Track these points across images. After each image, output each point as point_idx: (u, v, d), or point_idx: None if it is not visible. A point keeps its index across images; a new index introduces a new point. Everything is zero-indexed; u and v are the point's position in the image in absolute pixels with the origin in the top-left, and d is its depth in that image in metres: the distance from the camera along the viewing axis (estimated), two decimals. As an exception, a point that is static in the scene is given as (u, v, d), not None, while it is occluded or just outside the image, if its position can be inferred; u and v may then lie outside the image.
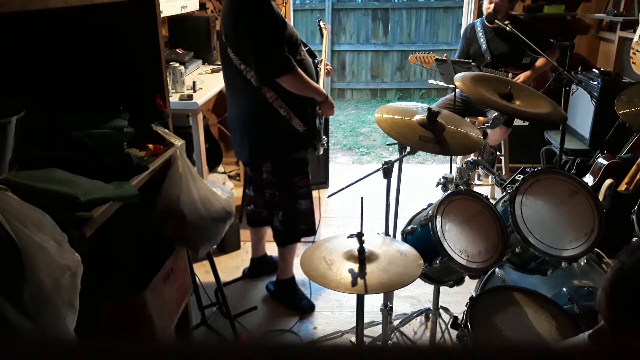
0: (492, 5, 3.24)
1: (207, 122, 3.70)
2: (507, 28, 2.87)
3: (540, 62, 3.33)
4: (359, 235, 1.51)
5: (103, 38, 1.62)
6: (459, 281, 1.89)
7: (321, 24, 2.72)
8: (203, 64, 3.63)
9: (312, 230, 2.46)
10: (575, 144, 3.59)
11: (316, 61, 2.36)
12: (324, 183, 3.88)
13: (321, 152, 2.38)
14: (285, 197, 2.36)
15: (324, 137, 2.39)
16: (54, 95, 1.56)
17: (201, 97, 2.81)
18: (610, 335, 0.98)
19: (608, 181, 2.56)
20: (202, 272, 2.55)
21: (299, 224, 2.42)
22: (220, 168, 3.76)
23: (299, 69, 2.09)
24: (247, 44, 2.06)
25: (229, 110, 2.37)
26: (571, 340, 1.37)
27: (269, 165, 2.31)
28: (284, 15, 3.83)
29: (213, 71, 3.38)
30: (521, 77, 3.26)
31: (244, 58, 2.10)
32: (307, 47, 2.34)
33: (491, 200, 1.85)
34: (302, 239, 2.51)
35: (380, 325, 2.02)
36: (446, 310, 2.24)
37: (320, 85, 2.41)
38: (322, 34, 2.66)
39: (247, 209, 2.64)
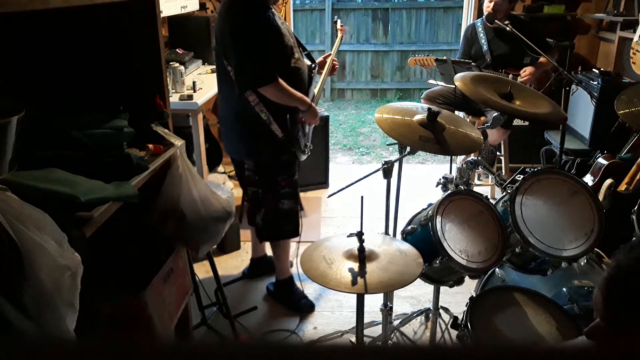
0: (492, 5, 3.24)
1: (207, 122, 3.70)
2: (507, 28, 2.87)
3: (543, 59, 3.33)
4: (359, 234, 1.51)
5: (103, 38, 1.62)
6: (459, 281, 1.89)
7: (338, 24, 2.71)
8: (203, 64, 3.63)
9: (295, 232, 2.45)
10: (575, 144, 3.59)
11: (313, 65, 2.35)
12: (324, 183, 3.88)
13: (303, 158, 2.36)
14: (268, 195, 2.37)
15: (308, 144, 2.36)
16: (54, 95, 1.56)
17: (201, 97, 2.81)
18: (606, 332, 0.99)
19: (608, 181, 2.56)
20: (202, 272, 2.55)
21: (282, 224, 2.41)
22: (220, 168, 3.76)
23: (280, 81, 2.08)
24: (231, 51, 2.08)
25: (219, 106, 2.39)
26: (571, 343, 1.37)
27: (252, 164, 2.33)
28: (283, 16, 3.86)
29: (213, 71, 3.38)
30: (527, 70, 3.25)
31: (230, 63, 2.12)
32: (307, 52, 2.34)
33: (491, 200, 1.85)
34: (296, 240, 2.51)
35: (380, 325, 2.02)
36: (446, 310, 2.24)
37: (320, 81, 2.41)
38: (337, 34, 2.66)
39: (248, 208, 2.65)
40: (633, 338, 0.95)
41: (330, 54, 2.51)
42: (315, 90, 2.41)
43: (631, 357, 0.31)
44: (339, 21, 2.77)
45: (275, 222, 2.41)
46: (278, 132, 2.22)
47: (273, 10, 2.14)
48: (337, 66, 2.57)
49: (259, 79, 2.07)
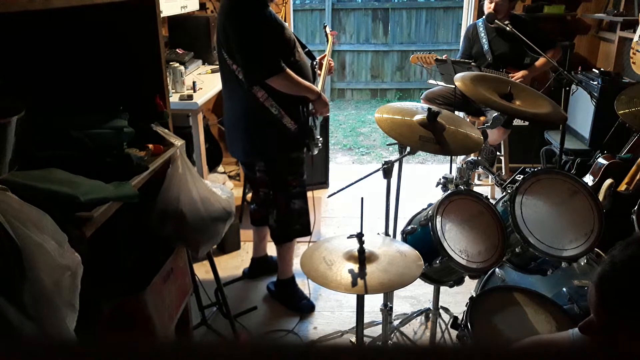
0: (492, 5, 3.24)
1: (207, 122, 3.70)
2: (507, 28, 2.87)
3: (539, 61, 3.33)
4: (359, 236, 1.51)
5: (103, 38, 1.62)
6: (459, 281, 1.89)
7: (327, 29, 2.74)
8: (203, 64, 3.63)
9: (307, 231, 2.46)
10: (575, 144, 3.59)
11: (314, 63, 2.36)
12: (324, 183, 3.88)
13: (315, 152, 2.36)
14: (279, 196, 2.37)
15: (318, 137, 2.37)
16: (54, 95, 1.56)
17: (201, 97, 2.81)
18: (598, 328, 0.99)
19: (608, 181, 2.56)
20: (202, 272, 2.55)
21: (293, 224, 2.42)
22: (220, 168, 3.76)
23: (288, 70, 2.09)
24: (236, 45, 2.08)
25: (224, 108, 2.39)
26: (559, 335, 1.37)
27: (262, 165, 2.32)
28: (284, 16, 3.86)
29: (213, 71, 3.38)
30: (519, 74, 3.25)
31: (235, 58, 2.12)
32: (307, 49, 2.34)
33: (491, 200, 1.85)
34: (298, 239, 2.52)
35: (380, 325, 2.02)
36: (446, 310, 2.24)
37: (321, 82, 2.42)
38: (328, 39, 2.69)
39: (250, 208, 2.66)
40: (624, 335, 0.95)
41: (325, 55, 2.53)
42: (318, 88, 2.41)
43: (621, 354, 0.31)
44: (327, 27, 2.80)
45: (286, 223, 2.41)
46: (290, 125, 2.21)
47: (271, 9, 2.15)
48: (333, 66, 2.60)
49: (268, 70, 2.08)
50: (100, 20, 1.59)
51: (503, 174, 3.50)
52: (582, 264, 1.95)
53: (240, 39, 2.07)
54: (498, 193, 3.55)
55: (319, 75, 2.44)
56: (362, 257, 1.50)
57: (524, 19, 3.48)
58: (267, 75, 2.08)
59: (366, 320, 2.17)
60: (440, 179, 1.99)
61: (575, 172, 3.24)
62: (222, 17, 2.15)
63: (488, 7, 3.28)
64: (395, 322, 2.25)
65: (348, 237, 1.54)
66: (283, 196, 2.36)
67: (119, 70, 1.63)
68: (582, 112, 3.60)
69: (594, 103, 3.27)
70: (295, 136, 2.25)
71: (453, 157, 2.63)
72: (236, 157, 2.46)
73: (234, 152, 2.44)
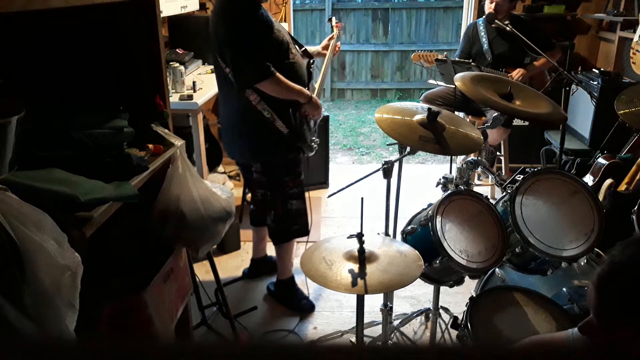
0: (493, 5, 3.24)
1: (207, 122, 3.69)
2: (507, 28, 2.87)
3: (539, 61, 3.33)
4: (359, 236, 1.51)
5: (103, 38, 1.62)
6: (459, 281, 1.89)
7: (333, 21, 2.73)
8: (203, 64, 3.63)
9: (305, 231, 2.46)
10: (575, 144, 3.59)
11: (311, 62, 2.36)
12: (324, 183, 3.88)
13: (311, 154, 2.36)
14: (277, 196, 2.37)
15: (314, 139, 2.37)
16: (54, 95, 1.56)
17: (201, 97, 2.81)
18: (598, 328, 0.99)
19: (608, 181, 2.56)
20: (202, 272, 2.55)
21: (291, 224, 2.42)
22: (220, 168, 3.75)
23: (278, 74, 2.09)
24: (227, 48, 2.08)
25: (220, 110, 2.39)
26: (558, 335, 1.37)
27: (259, 166, 2.33)
28: (283, 16, 3.86)
29: (213, 71, 3.38)
30: (517, 72, 3.25)
31: (227, 62, 2.12)
32: (303, 48, 2.34)
33: (491, 200, 1.85)
34: (297, 240, 2.52)
35: (380, 325, 2.02)
36: (446, 310, 2.24)
37: (321, 75, 2.42)
38: (333, 30, 2.68)
39: (250, 208, 2.66)
40: (623, 335, 0.95)
41: (327, 43, 2.52)
42: (320, 75, 2.41)
43: (621, 355, 0.31)
44: (333, 19, 2.79)
45: (284, 223, 2.41)
46: (283, 128, 2.21)
47: (264, 9, 2.14)
48: (339, 47, 2.58)
49: (257, 75, 2.07)
50: (100, 20, 1.59)
51: (503, 174, 3.50)
52: (582, 264, 1.95)
53: (230, 42, 2.06)
54: (498, 193, 3.55)
55: (323, 55, 2.44)
56: (362, 257, 1.50)
57: (524, 19, 3.47)
58: (256, 80, 2.08)
59: (366, 320, 2.17)
60: (440, 179, 1.99)
61: (575, 172, 3.24)
62: (214, 22, 2.15)
63: (488, 7, 3.28)
64: (395, 322, 2.25)
65: (348, 237, 1.54)
66: (280, 197, 2.36)
67: (119, 70, 1.63)
68: (582, 112, 3.60)
69: (594, 103, 3.27)
70: (288, 139, 2.25)
71: (453, 157, 2.63)
72: (233, 158, 2.46)
73: (230, 153, 2.44)
